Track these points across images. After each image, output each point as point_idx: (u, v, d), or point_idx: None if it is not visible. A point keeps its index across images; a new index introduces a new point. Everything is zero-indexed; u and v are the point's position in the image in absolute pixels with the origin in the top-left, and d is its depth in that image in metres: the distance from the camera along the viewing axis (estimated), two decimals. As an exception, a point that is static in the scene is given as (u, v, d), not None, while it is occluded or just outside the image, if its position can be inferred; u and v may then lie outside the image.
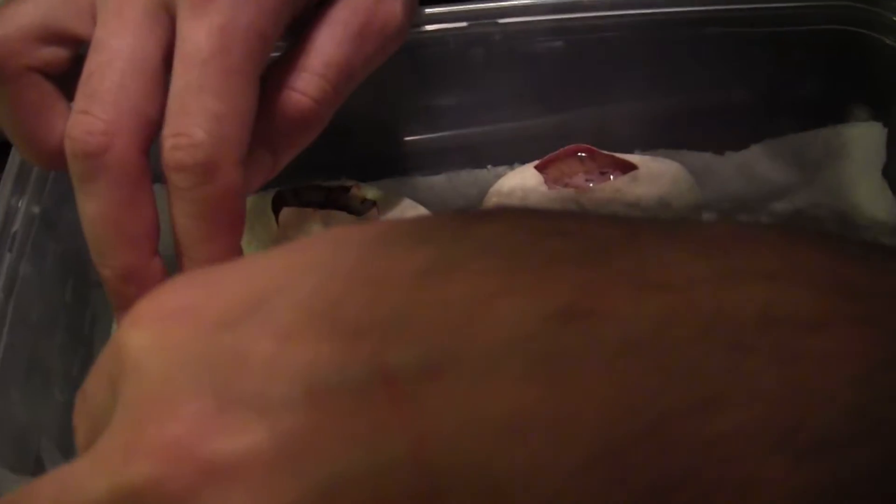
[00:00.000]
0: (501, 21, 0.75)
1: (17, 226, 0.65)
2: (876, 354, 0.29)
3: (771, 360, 0.29)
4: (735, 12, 0.76)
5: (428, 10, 0.75)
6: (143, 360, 0.32)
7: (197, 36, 0.52)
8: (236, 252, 0.55)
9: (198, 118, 0.51)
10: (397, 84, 0.79)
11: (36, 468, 0.62)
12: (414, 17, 0.68)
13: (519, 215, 0.33)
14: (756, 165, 0.81)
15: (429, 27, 0.75)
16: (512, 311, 0.29)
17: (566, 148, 0.74)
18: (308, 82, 0.58)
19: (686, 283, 0.30)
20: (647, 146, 0.80)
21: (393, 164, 0.81)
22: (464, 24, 0.75)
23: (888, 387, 0.29)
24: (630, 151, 0.77)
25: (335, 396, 0.29)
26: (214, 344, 0.31)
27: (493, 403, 0.28)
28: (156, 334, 0.32)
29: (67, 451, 0.65)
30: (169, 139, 0.51)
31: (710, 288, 0.30)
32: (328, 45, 0.59)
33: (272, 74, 0.58)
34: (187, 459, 0.29)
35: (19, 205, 0.67)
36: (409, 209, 0.73)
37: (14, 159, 0.69)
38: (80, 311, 0.72)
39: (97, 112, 0.52)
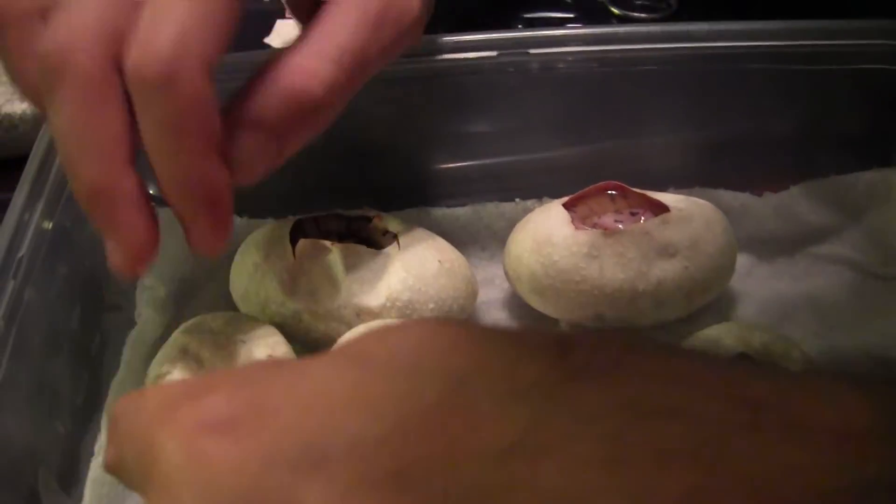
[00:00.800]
0: (533, 52, 0.73)
1: (23, 250, 0.63)
2: None
3: None
4: (777, 48, 0.74)
5: (458, 38, 0.73)
6: (174, 479, 0.30)
7: None
8: (212, 172, 0.52)
9: (161, 25, 0.48)
10: (425, 111, 0.77)
11: (30, 501, 0.60)
12: (429, 17, 0.65)
13: (625, 379, 0.29)
14: (795, 207, 0.78)
15: (459, 55, 0.73)
16: None
17: (596, 185, 0.72)
18: (319, 66, 0.54)
19: None
20: (681, 184, 0.77)
21: (417, 193, 0.79)
22: (494, 53, 0.73)
23: None
24: (664, 189, 0.74)
25: None
26: (258, 486, 0.28)
27: None
28: (192, 454, 0.30)
29: (66, 483, 0.63)
30: (132, 48, 0.49)
31: None
32: (343, 30, 0.56)
33: (283, 57, 0.55)
34: None
35: (31, 220, 0.65)
36: (433, 244, 0.71)
37: (28, 174, 0.67)
38: (87, 337, 0.70)
39: (61, 27, 0.49)
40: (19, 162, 0.69)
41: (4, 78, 0.83)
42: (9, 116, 0.84)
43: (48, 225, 0.66)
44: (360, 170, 0.79)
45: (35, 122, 0.80)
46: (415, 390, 0.29)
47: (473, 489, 0.26)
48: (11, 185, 0.67)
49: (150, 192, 0.76)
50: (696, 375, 0.29)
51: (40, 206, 0.66)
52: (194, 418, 0.31)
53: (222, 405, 0.31)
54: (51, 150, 0.69)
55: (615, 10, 0.97)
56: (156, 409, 0.32)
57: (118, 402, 0.37)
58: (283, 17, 0.99)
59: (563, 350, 0.30)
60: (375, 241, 0.71)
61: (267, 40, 0.97)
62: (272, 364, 0.33)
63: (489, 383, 0.28)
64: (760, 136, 0.80)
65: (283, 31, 0.98)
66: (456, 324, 0.33)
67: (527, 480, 0.26)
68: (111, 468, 0.36)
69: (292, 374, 0.32)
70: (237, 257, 0.71)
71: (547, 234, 0.69)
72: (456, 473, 0.26)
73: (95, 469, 0.64)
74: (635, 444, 0.27)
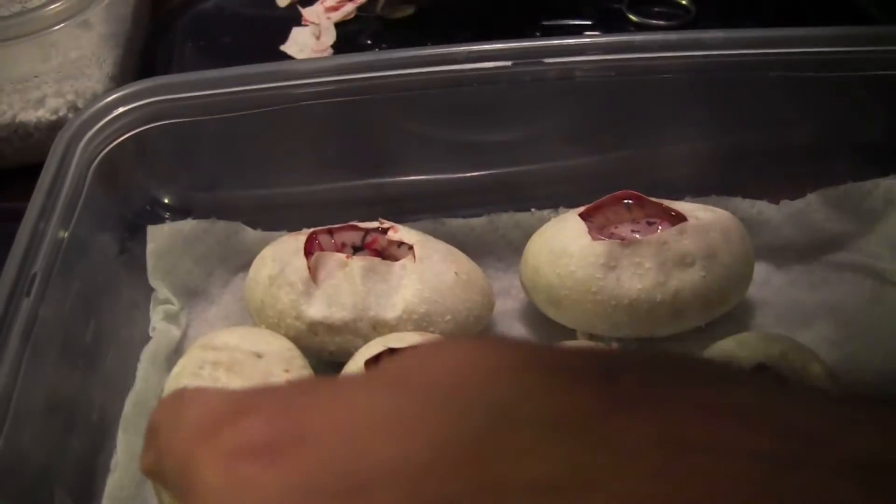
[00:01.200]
0: (547, 61, 0.72)
1: (37, 265, 0.63)
2: None
3: None
4: (793, 56, 0.74)
5: (472, 48, 0.73)
6: (209, 493, 0.30)
7: None
8: None
9: None
10: (439, 121, 0.76)
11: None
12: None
13: (672, 412, 0.28)
14: (812, 214, 0.77)
15: (473, 65, 0.72)
16: None
17: (613, 195, 0.71)
18: None
19: None
20: (699, 192, 0.77)
21: (432, 204, 0.78)
22: (508, 63, 0.72)
23: None
24: (680, 197, 0.74)
25: None
26: None
27: None
28: (232, 479, 0.29)
29: (82, 500, 0.63)
30: None
31: None
32: None
33: None
34: None
35: (47, 229, 0.65)
36: (448, 255, 0.70)
37: (44, 182, 0.67)
38: (102, 352, 0.69)
39: None
40: (35, 170, 0.69)
41: (20, 86, 0.84)
42: (23, 125, 0.84)
43: (64, 234, 0.66)
44: (375, 181, 0.79)
45: (49, 131, 0.80)
46: (457, 419, 0.28)
47: None
48: (27, 194, 0.67)
49: (166, 201, 0.78)
50: (746, 409, 0.28)
51: (56, 215, 0.66)
52: (234, 442, 0.30)
53: (263, 429, 0.30)
54: (66, 157, 0.69)
55: (633, 18, 0.97)
56: (196, 427, 0.32)
57: (158, 408, 0.37)
58: (299, 24, 0.99)
59: (609, 377, 0.29)
60: (391, 252, 0.71)
61: (283, 48, 0.97)
62: (310, 384, 0.33)
63: (533, 413, 0.28)
64: (777, 143, 0.79)
65: (300, 39, 0.98)
66: (496, 344, 0.32)
67: None
68: (148, 473, 0.36)
69: (331, 398, 0.31)
70: (252, 271, 0.71)
71: (563, 244, 0.69)
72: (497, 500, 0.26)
73: (111, 485, 0.64)
74: (681, 482, 0.26)
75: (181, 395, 0.36)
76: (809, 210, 0.78)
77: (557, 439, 0.27)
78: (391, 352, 0.63)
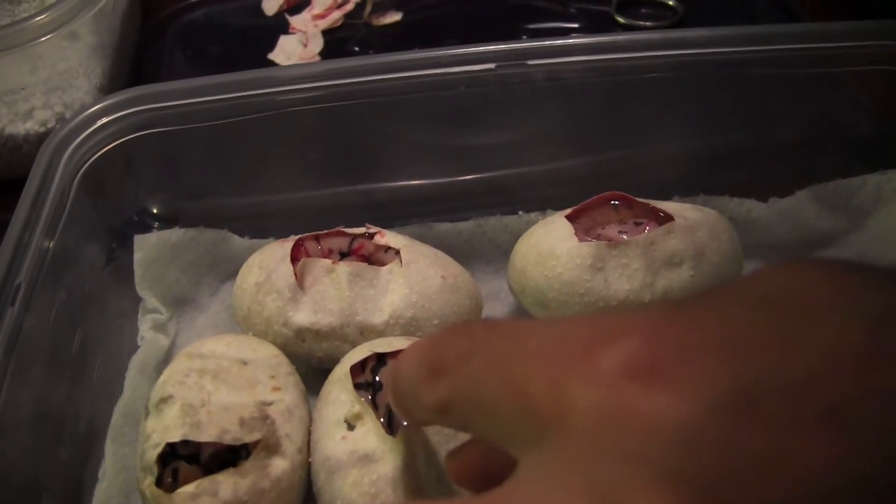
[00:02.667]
0: (531, 62, 0.72)
1: (21, 276, 0.63)
2: None
3: None
4: (778, 52, 0.73)
5: (455, 51, 0.73)
6: (593, 430, 0.29)
7: None
8: None
9: None
10: (426, 126, 0.76)
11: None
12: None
13: None
14: (801, 212, 0.77)
15: (456, 68, 0.72)
16: None
17: (600, 196, 0.71)
18: None
19: None
20: (686, 191, 0.77)
21: (419, 209, 0.78)
22: (492, 65, 0.72)
23: None
24: (668, 197, 0.74)
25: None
26: (699, 431, 0.27)
27: None
28: (618, 399, 0.29)
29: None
30: None
31: None
32: None
33: None
34: None
35: (31, 239, 0.65)
36: (435, 260, 0.70)
37: (28, 192, 0.67)
38: (89, 362, 0.69)
39: None
40: (24, 182, 0.68)
41: (7, 99, 0.84)
42: (12, 137, 0.84)
43: (49, 244, 0.66)
44: (363, 186, 0.79)
45: (38, 143, 0.79)
46: (840, 329, 0.28)
47: None
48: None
49: (154, 210, 0.78)
50: None
51: (41, 225, 0.66)
52: (614, 362, 0.29)
53: (642, 349, 0.29)
54: (51, 167, 0.69)
55: (621, 20, 0.97)
56: (555, 352, 0.31)
57: (441, 341, 0.36)
58: (286, 32, 0.99)
59: None
60: (378, 257, 0.71)
61: (270, 56, 0.97)
62: (677, 306, 0.31)
63: None
64: (764, 141, 0.79)
65: (287, 47, 0.98)
66: (838, 267, 0.31)
67: None
68: (437, 409, 0.36)
69: (701, 317, 0.31)
70: (239, 278, 0.71)
71: (550, 246, 0.68)
72: (887, 410, 0.26)
73: (99, 494, 0.64)
74: None
75: (469, 329, 0.36)
76: (798, 208, 0.77)
77: None
78: (377, 357, 0.63)
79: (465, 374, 0.35)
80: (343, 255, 0.71)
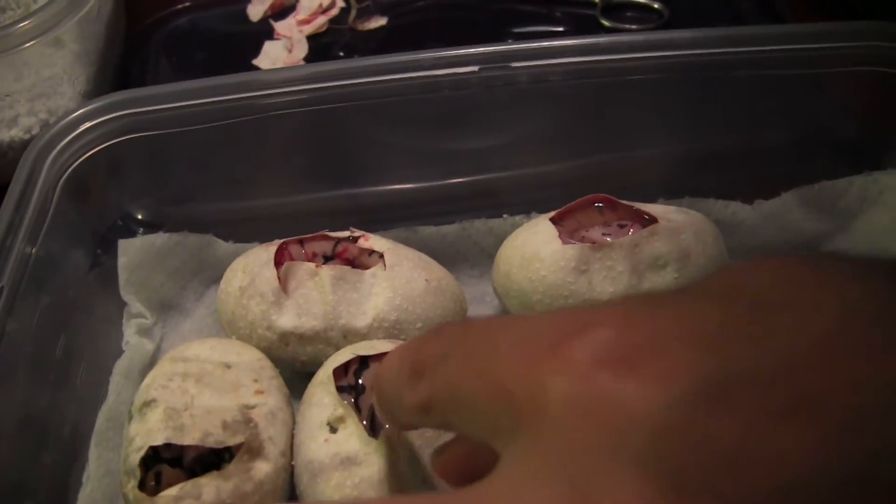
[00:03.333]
0: (515, 65, 0.72)
1: (3, 279, 0.62)
2: None
3: None
4: (762, 53, 0.73)
5: (438, 54, 0.72)
6: (565, 420, 0.29)
7: None
8: None
9: None
10: (410, 129, 0.76)
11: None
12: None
13: None
14: (787, 214, 0.77)
15: (440, 71, 0.72)
16: None
17: (584, 198, 0.71)
18: None
19: None
20: (671, 194, 0.77)
21: (404, 212, 0.78)
22: (475, 68, 0.72)
23: None
24: (653, 200, 0.73)
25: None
26: (668, 421, 0.27)
27: None
28: (591, 387, 0.29)
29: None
30: None
31: None
32: None
33: None
34: None
35: (14, 245, 0.65)
36: (419, 263, 0.70)
37: (11, 197, 0.67)
38: (73, 367, 0.69)
39: None
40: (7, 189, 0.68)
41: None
42: (-4, 143, 0.84)
43: (31, 249, 0.66)
44: (347, 191, 0.79)
45: (23, 150, 0.79)
46: (811, 320, 0.29)
47: (874, 417, 0.26)
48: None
49: (139, 215, 0.77)
50: None
51: (23, 230, 0.66)
52: (587, 352, 0.30)
53: (615, 340, 0.30)
54: (34, 172, 0.68)
55: (606, 23, 0.97)
56: (528, 346, 0.31)
57: (418, 346, 0.37)
58: (271, 38, 0.99)
59: None
60: (362, 261, 0.71)
61: (255, 62, 0.97)
62: (645, 300, 0.32)
63: (877, 314, 0.28)
64: (750, 143, 0.79)
65: (272, 53, 0.97)
66: (808, 260, 0.32)
67: None
68: (418, 409, 0.36)
69: (671, 310, 0.31)
70: (223, 283, 0.71)
71: (534, 249, 0.68)
72: (856, 401, 0.26)
73: (83, 499, 0.63)
74: None
75: (445, 330, 0.37)
76: (784, 210, 0.77)
77: None
78: (360, 360, 0.63)
79: (442, 373, 0.36)
80: (327, 259, 0.71)
